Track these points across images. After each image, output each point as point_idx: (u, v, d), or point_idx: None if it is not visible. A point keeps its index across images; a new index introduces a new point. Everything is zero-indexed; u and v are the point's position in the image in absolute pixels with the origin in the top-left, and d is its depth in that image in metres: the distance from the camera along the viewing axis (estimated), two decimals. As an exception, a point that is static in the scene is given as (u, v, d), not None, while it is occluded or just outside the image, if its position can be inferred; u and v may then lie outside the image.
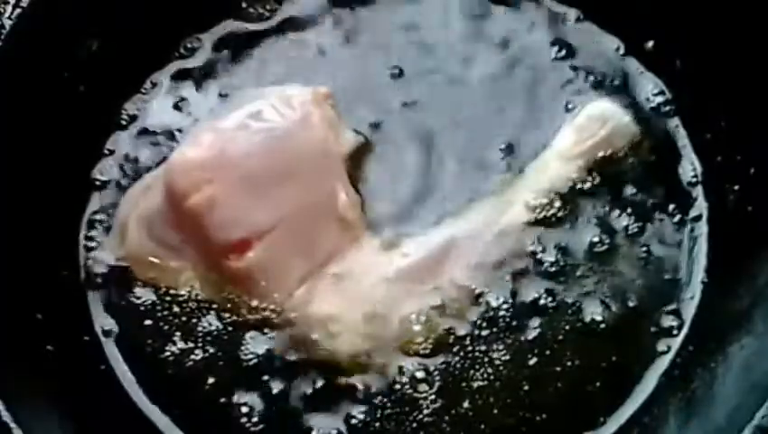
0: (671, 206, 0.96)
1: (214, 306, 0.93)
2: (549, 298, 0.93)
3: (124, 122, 1.01)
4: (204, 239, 0.91)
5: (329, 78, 1.00)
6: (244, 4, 1.05)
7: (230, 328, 0.93)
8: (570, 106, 1.00)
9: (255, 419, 0.90)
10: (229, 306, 0.93)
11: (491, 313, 0.92)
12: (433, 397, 0.90)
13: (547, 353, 0.91)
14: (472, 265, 0.93)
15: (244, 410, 0.90)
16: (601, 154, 0.97)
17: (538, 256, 0.94)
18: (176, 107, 1.02)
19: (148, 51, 1.02)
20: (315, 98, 0.95)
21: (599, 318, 0.92)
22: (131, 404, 0.92)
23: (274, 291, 0.92)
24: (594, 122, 0.98)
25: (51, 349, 0.89)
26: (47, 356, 0.89)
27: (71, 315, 0.94)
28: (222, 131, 0.93)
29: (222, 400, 0.91)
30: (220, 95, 1.01)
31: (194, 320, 0.93)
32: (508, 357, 0.91)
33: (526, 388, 0.90)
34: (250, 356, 0.92)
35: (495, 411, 0.90)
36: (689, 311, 0.93)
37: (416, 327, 0.91)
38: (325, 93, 0.97)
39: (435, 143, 0.99)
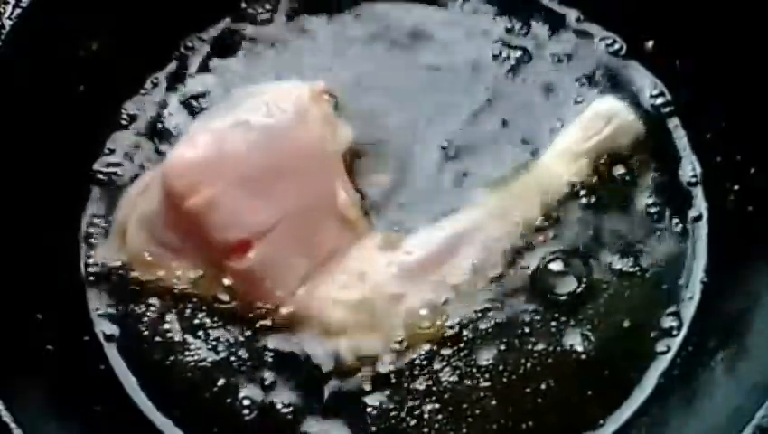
0: (671, 206, 0.97)
1: (215, 306, 0.93)
2: (550, 298, 0.93)
3: (124, 122, 1.01)
4: (204, 240, 0.91)
5: (328, 76, 1.00)
6: (243, 4, 1.05)
7: (231, 328, 0.93)
8: (570, 106, 1.00)
9: (256, 418, 0.90)
10: (230, 305, 0.93)
11: (490, 313, 0.92)
12: (430, 397, 0.90)
13: (545, 353, 0.91)
14: (473, 264, 0.93)
15: (244, 408, 0.90)
16: (605, 152, 0.97)
17: (539, 255, 0.94)
18: (176, 106, 1.01)
19: (148, 51, 1.02)
20: (312, 93, 0.95)
21: (598, 319, 0.92)
22: (131, 404, 0.92)
23: (275, 290, 0.92)
24: (600, 119, 0.98)
25: (51, 349, 0.89)
26: (47, 356, 0.89)
27: (71, 315, 0.94)
28: (219, 131, 0.92)
29: (223, 399, 0.91)
30: (219, 94, 1.01)
31: (195, 320, 0.93)
32: (504, 359, 0.91)
33: (523, 390, 0.91)
34: (251, 356, 0.92)
35: (493, 413, 0.90)
36: (689, 311, 0.93)
37: (416, 326, 0.91)
38: (322, 88, 0.97)
39: (436, 141, 0.99)
